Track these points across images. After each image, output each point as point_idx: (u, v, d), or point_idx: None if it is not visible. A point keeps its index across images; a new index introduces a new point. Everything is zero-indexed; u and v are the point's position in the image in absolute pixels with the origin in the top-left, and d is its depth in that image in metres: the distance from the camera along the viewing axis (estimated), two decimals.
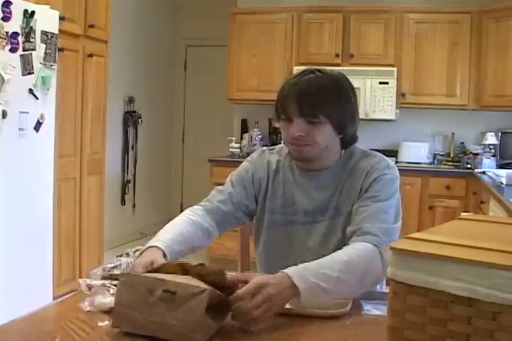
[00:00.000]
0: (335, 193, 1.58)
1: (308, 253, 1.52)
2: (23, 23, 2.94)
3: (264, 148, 1.78)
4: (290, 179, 1.64)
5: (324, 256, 1.36)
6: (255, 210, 1.68)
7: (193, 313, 1.04)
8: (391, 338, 0.88)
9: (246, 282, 1.16)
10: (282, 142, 1.75)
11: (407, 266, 0.84)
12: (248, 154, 3.35)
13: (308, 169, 1.61)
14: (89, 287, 1.24)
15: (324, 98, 1.51)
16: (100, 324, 1.12)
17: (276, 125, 1.87)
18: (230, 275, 1.17)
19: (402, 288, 0.85)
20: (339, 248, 1.42)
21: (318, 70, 1.56)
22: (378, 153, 1.63)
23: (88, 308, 1.18)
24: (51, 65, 3.19)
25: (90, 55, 3.74)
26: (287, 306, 1.21)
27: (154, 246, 1.37)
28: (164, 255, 1.36)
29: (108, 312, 1.15)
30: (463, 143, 4.67)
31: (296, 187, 1.62)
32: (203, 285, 1.08)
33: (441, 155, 4.64)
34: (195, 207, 1.64)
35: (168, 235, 1.46)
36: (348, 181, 1.57)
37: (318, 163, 1.59)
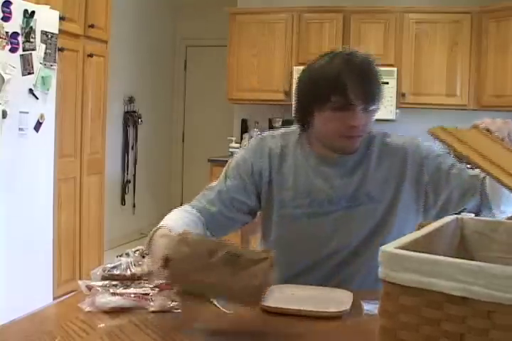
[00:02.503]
0: (364, 179, 1.43)
1: (341, 244, 1.43)
2: (23, 23, 2.94)
3: (265, 133, 1.56)
4: (304, 167, 1.46)
5: (358, 248, 1.36)
6: (257, 207, 1.51)
7: (256, 279, 1.04)
8: (383, 339, 0.88)
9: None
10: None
11: (399, 266, 0.84)
12: None
13: (332, 156, 1.45)
14: (89, 288, 1.24)
15: (379, 81, 1.36)
16: (100, 324, 1.12)
17: (288, 125, 1.56)
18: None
19: (395, 289, 0.85)
20: (376, 236, 1.38)
21: (346, 53, 1.37)
22: (386, 132, 1.52)
23: (88, 308, 1.18)
24: (51, 65, 3.19)
25: (90, 55, 3.74)
26: (287, 306, 1.21)
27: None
28: None
29: (108, 312, 1.15)
30: None
31: (314, 176, 1.45)
32: (263, 253, 1.08)
33: None
34: (184, 206, 1.48)
35: (176, 227, 1.31)
36: (380, 166, 1.44)
37: None
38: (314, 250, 1.46)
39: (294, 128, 1.53)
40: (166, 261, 1.07)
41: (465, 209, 1.39)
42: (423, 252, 0.85)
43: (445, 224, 1.15)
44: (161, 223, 1.35)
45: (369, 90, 1.32)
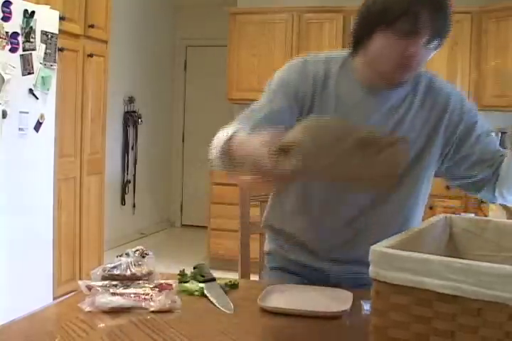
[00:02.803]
0: (404, 117, 1.38)
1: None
2: (23, 23, 2.94)
3: (307, 57, 1.46)
4: (346, 96, 1.37)
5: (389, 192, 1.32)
6: None
7: (395, 158, 1.00)
8: (376, 338, 0.88)
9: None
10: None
11: (390, 265, 0.85)
12: None
13: (377, 87, 1.37)
14: (89, 288, 1.24)
15: (450, 19, 1.26)
16: (100, 324, 1.12)
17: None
18: None
19: (386, 288, 0.86)
20: (404, 177, 1.35)
21: None
22: (434, 73, 1.45)
23: (88, 308, 1.18)
24: (51, 65, 3.19)
25: (90, 55, 3.74)
26: (288, 306, 1.21)
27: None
28: None
29: (108, 312, 1.15)
30: None
31: (354, 107, 1.37)
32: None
33: None
34: (227, 129, 1.26)
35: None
36: (422, 106, 1.39)
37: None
38: (342, 186, 1.37)
39: (336, 54, 1.45)
40: (291, 148, 0.97)
41: (473, 176, 1.40)
42: (413, 251, 0.85)
43: (434, 223, 1.16)
44: (224, 138, 1.20)
45: (439, 23, 1.25)
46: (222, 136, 1.24)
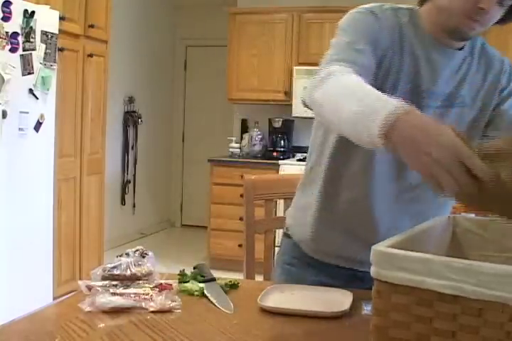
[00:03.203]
0: (464, 79, 1.35)
1: None
2: (23, 23, 2.94)
3: (373, 7, 1.36)
4: (416, 49, 1.31)
5: None
6: None
7: None
8: (376, 337, 0.88)
9: None
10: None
11: (391, 265, 0.85)
12: (248, 154, 3.20)
13: (447, 44, 1.32)
14: (89, 288, 1.24)
15: None
16: (100, 324, 1.12)
17: None
18: None
19: (387, 287, 0.86)
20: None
21: None
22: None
23: (88, 308, 1.18)
24: (51, 65, 3.19)
25: (90, 55, 3.74)
26: (287, 306, 1.21)
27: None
28: None
29: (108, 312, 1.15)
30: None
31: (424, 61, 1.31)
32: None
33: None
34: (340, 68, 1.16)
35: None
36: (478, 69, 1.36)
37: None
38: None
39: (400, 6, 1.38)
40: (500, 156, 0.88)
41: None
42: (414, 251, 0.85)
43: (436, 222, 1.16)
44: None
45: None
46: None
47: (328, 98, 1.12)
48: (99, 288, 1.22)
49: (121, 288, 1.23)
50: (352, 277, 1.45)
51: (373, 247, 0.88)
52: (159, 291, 1.23)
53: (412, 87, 1.30)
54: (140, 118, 5.67)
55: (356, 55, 1.23)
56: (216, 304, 1.23)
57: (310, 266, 1.50)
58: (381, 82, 1.28)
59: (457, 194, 0.88)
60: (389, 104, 0.97)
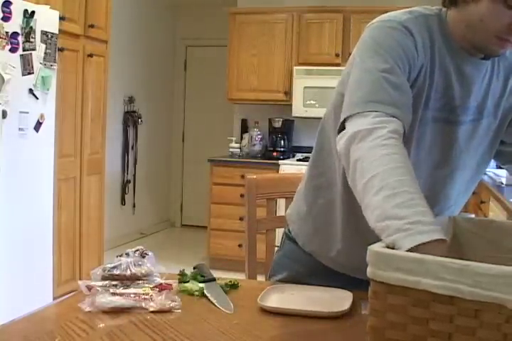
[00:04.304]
0: (488, 89, 1.31)
1: (467, 163, 1.31)
2: (23, 23, 2.94)
3: (414, 11, 1.25)
4: (449, 63, 1.26)
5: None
6: None
7: None
8: (373, 338, 0.88)
9: None
10: None
11: (387, 265, 0.84)
12: (248, 154, 3.12)
13: (473, 54, 1.26)
14: (89, 288, 1.24)
15: None
16: (100, 324, 1.12)
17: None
18: None
19: (383, 288, 0.85)
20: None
21: None
22: None
23: (88, 308, 1.18)
24: (51, 65, 3.19)
25: (90, 55, 3.74)
26: (288, 306, 1.21)
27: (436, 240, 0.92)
28: None
29: (108, 312, 1.15)
30: None
31: (457, 77, 1.26)
32: None
33: None
34: (383, 132, 1.07)
35: (424, 206, 0.98)
36: (498, 77, 1.33)
37: None
38: (456, 162, 1.31)
39: (429, 9, 1.30)
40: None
41: (506, 143, 1.37)
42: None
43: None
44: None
45: None
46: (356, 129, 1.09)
47: (360, 166, 1.05)
48: (99, 288, 1.22)
49: (121, 288, 1.23)
50: (359, 283, 1.44)
51: (369, 248, 0.87)
52: (159, 291, 1.23)
53: (444, 103, 1.26)
54: (140, 118, 5.67)
55: (394, 94, 1.14)
56: (216, 304, 1.23)
57: (320, 274, 1.48)
58: (414, 101, 1.21)
59: None
60: (416, 236, 0.91)
